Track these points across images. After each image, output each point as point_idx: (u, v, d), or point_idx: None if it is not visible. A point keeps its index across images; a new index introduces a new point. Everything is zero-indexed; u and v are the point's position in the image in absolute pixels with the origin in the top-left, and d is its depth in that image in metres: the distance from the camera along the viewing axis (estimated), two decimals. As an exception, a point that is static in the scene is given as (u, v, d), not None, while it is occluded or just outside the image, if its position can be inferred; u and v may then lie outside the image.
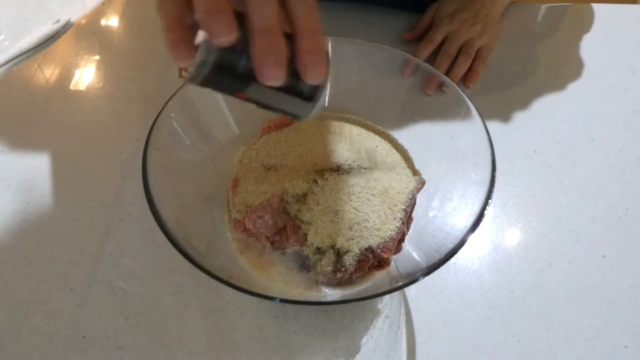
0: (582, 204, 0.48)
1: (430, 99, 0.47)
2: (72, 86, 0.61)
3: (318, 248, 0.37)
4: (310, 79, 0.25)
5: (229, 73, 0.26)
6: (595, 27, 0.70)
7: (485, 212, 0.34)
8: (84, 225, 0.46)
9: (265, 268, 0.39)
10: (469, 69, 0.61)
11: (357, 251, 0.36)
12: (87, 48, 0.67)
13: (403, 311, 0.41)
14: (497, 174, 0.36)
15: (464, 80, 0.61)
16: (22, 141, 0.54)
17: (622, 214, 0.48)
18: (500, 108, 0.58)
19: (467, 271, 0.43)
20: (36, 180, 0.50)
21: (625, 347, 0.39)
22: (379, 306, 0.41)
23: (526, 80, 0.62)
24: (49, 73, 0.63)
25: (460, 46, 0.61)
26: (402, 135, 0.46)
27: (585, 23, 0.71)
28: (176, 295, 0.41)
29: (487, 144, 0.38)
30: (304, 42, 0.25)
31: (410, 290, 0.42)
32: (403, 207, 0.38)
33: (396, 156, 0.44)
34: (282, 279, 0.39)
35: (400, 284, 0.33)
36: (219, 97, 0.44)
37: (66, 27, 0.69)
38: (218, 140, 0.45)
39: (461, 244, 0.33)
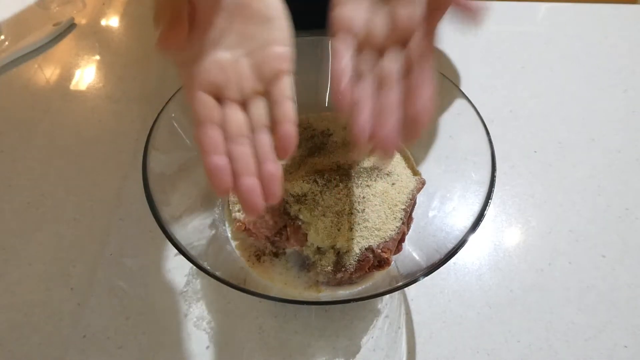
0: (582, 204, 0.48)
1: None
2: (72, 86, 0.61)
3: (318, 248, 0.37)
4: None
5: None
6: (595, 27, 0.70)
7: (486, 212, 0.34)
8: (85, 225, 0.46)
9: (265, 268, 0.39)
10: None
11: (357, 251, 0.36)
12: (87, 48, 0.67)
13: (403, 311, 0.41)
14: (497, 173, 0.36)
15: None
16: (22, 141, 0.54)
17: (622, 214, 0.48)
18: (500, 108, 0.58)
19: (467, 271, 0.43)
20: (36, 180, 0.50)
21: (625, 347, 0.39)
22: (379, 306, 0.41)
23: (526, 80, 0.62)
24: (49, 73, 0.63)
25: None
26: (402, 135, 0.46)
27: (585, 23, 0.71)
28: (176, 295, 0.41)
29: (487, 144, 0.38)
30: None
31: (410, 290, 0.42)
32: (403, 207, 0.38)
33: (396, 156, 0.44)
34: (282, 279, 0.39)
35: (400, 284, 0.33)
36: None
37: (68, 29, 0.69)
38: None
39: (461, 244, 0.33)
